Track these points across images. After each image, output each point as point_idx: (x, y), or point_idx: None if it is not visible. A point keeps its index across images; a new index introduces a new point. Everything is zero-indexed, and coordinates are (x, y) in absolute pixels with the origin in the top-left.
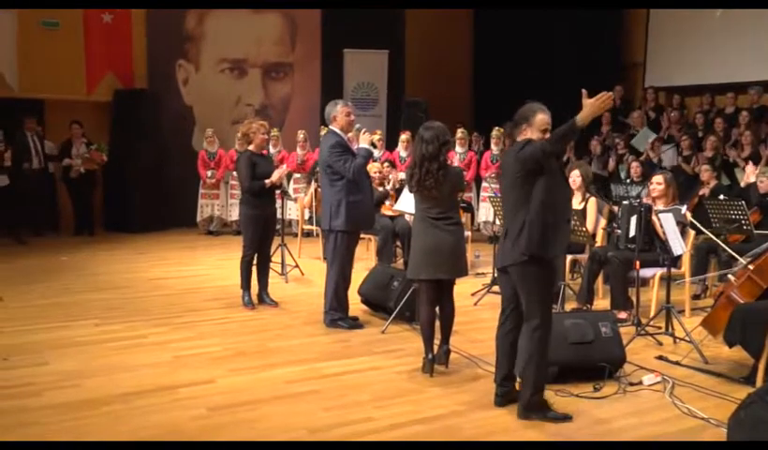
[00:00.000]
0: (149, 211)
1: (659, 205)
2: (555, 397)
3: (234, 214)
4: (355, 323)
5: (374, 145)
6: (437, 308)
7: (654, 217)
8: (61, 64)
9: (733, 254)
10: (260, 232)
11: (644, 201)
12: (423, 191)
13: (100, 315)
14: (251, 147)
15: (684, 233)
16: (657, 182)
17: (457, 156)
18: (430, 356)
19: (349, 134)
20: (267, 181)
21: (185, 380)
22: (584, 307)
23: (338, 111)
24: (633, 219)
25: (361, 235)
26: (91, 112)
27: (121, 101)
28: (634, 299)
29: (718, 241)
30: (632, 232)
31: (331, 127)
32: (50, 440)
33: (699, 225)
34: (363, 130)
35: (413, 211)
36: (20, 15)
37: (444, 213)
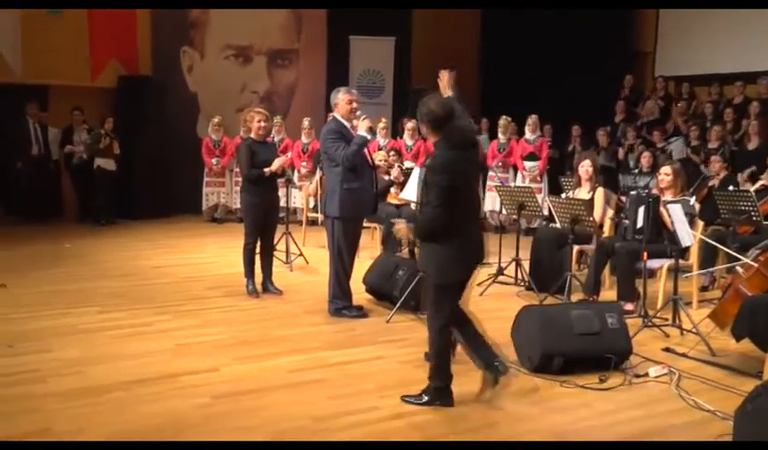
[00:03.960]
0: (153, 198)
1: (667, 196)
2: (560, 387)
3: (239, 201)
4: (360, 312)
5: (373, 131)
6: None
7: (662, 209)
8: (65, 50)
9: (737, 256)
10: (261, 220)
11: (653, 191)
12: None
13: (104, 302)
14: (252, 134)
15: (692, 224)
16: (665, 173)
17: None
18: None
19: (354, 122)
20: (266, 169)
21: (189, 368)
22: (591, 298)
23: (339, 98)
24: (641, 210)
25: (367, 224)
26: (95, 99)
27: (125, 88)
28: (641, 290)
29: (731, 251)
30: (640, 223)
31: (333, 113)
32: (53, 426)
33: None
34: (363, 117)
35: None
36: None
37: None
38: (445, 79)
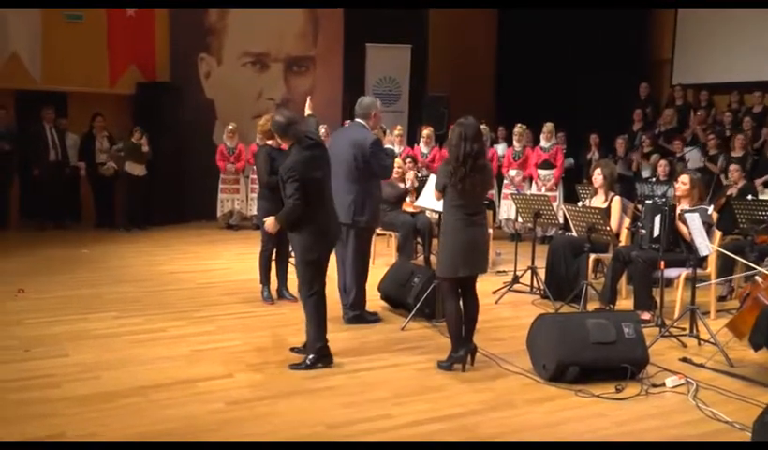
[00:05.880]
0: (169, 204)
1: (684, 205)
2: (576, 397)
3: (254, 208)
4: (374, 317)
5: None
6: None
7: (678, 221)
8: (84, 56)
9: (755, 267)
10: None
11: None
12: (467, 188)
13: (120, 308)
14: (270, 142)
15: (710, 233)
16: (683, 181)
17: None
18: (462, 353)
19: (374, 132)
20: None
21: (204, 374)
22: (607, 307)
23: (379, 109)
24: (657, 219)
25: (382, 231)
26: (113, 105)
27: (143, 94)
28: (658, 300)
29: (748, 262)
30: (656, 232)
31: (362, 121)
32: (67, 431)
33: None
34: (387, 132)
35: (434, 207)
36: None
37: (478, 208)
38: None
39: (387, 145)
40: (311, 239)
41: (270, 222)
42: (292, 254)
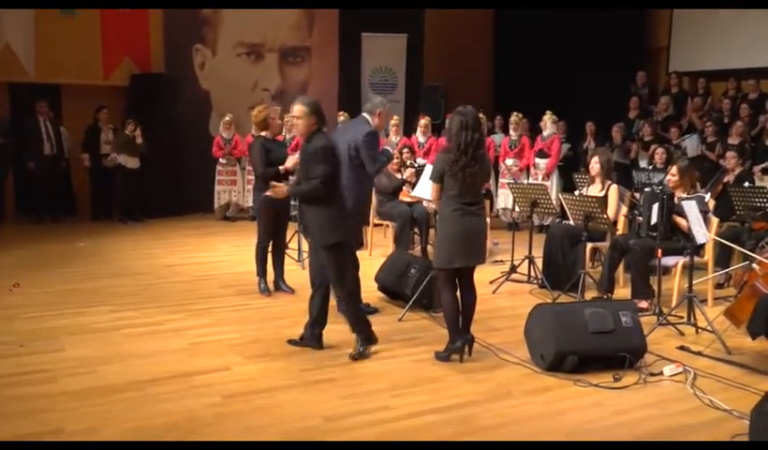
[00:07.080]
0: (165, 196)
1: (678, 194)
2: (574, 386)
3: (251, 200)
4: (369, 309)
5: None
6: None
7: (675, 217)
8: (78, 48)
9: (752, 255)
10: (275, 219)
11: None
12: (467, 178)
13: (117, 301)
14: (264, 133)
15: (706, 220)
16: (672, 173)
17: None
18: (459, 343)
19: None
20: (281, 167)
21: (201, 367)
22: (605, 296)
23: (386, 113)
24: (655, 207)
25: (379, 222)
26: (107, 97)
27: (138, 86)
28: (655, 288)
29: (745, 250)
30: (654, 220)
31: (367, 116)
32: (65, 426)
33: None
34: (389, 135)
35: (431, 197)
36: None
37: (476, 198)
38: None
39: (386, 147)
40: (329, 223)
41: (280, 188)
42: (288, 246)
